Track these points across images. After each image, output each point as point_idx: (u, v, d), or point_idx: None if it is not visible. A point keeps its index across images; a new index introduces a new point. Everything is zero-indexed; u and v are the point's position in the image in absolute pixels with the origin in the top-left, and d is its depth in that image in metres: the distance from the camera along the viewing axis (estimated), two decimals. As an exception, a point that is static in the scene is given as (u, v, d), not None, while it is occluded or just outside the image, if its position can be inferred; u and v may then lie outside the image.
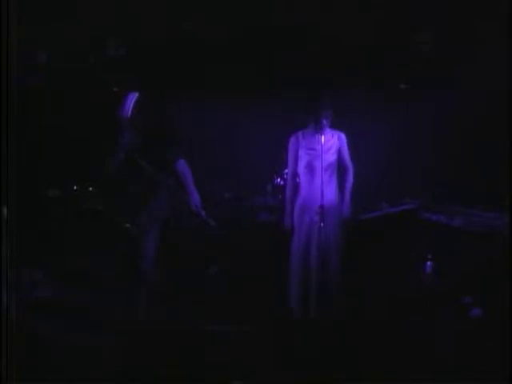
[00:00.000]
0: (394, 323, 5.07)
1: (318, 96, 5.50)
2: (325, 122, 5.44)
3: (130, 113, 5.07)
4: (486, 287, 5.73)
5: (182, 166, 5.36)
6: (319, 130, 5.45)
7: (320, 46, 7.47)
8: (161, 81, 7.81)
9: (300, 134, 5.61)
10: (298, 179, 5.60)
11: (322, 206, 5.27)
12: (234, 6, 6.59)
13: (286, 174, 5.75)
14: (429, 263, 6.91)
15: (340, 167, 5.63)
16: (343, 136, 5.60)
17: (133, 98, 5.11)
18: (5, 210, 4.12)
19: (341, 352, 4.07)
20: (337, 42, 7.21)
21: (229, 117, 8.03)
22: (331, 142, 5.53)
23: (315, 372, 4.05)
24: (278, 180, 7.74)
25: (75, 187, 8.14)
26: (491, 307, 5.43)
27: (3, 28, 4.12)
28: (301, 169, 5.57)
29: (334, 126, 5.56)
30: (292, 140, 5.62)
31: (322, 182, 5.34)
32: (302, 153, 5.56)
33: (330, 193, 5.46)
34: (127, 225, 5.12)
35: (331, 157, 5.51)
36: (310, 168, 5.51)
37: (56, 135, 8.04)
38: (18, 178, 5.48)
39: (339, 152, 5.58)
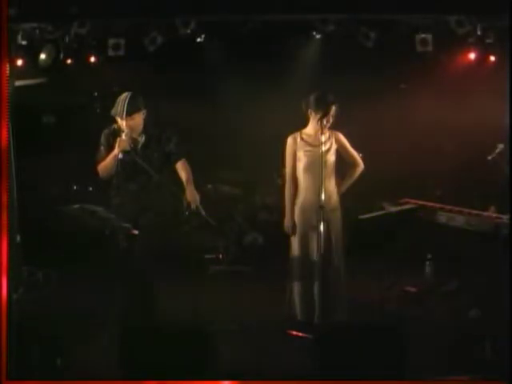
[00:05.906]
0: (394, 323, 5.06)
1: (321, 96, 5.47)
2: (325, 121, 5.40)
3: (124, 113, 5.08)
4: (485, 287, 5.73)
5: (183, 165, 5.36)
6: (320, 130, 5.41)
7: (320, 45, 7.49)
8: (161, 81, 7.83)
9: (298, 134, 5.59)
10: (297, 180, 5.57)
11: (321, 207, 5.25)
12: (234, 5, 6.58)
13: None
14: (429, 263, 6.93)
15: (346, 165, 5.61)
16: (340, 135, 5.57)
17: (126, 97, 5.13)
18: (5, 211, 4.12)
19: (341, 352, 4.07)
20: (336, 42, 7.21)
21: (229, 116, 8.04)
22: (329, 143, 5.51)
23: (315, 372, 4.05)
24: (278, 180, 7.75)
25: (75, 187, 8.17)
26: (491, 307, 5.42)
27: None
28: (300, 169, 5.54)
29: (334, 126, 5.53)
30: (290, 140, 5.58)
31: (322, 183, 5.31)
32: (300, 154, 5.53)
33: (330, 193, 5.45)
34: (127, 225, 5.11)
35: (330, 157, 5.49)
36: (310, 169, 5.48)
37: (56, 135, 8.06)
38: (17, 178, 5.49)
39: (340, 151, 5.56)
